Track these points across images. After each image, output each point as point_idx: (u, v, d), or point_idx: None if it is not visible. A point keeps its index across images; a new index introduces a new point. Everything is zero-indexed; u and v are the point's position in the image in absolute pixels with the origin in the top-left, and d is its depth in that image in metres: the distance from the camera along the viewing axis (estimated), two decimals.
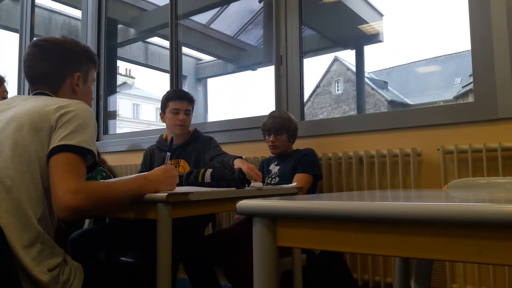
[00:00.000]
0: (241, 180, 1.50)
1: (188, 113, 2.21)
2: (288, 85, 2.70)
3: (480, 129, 2.00)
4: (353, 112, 19.76)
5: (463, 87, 16.51)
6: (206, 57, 6.66)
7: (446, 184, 1.41)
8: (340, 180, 2.33)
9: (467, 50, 2.13)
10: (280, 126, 2.21)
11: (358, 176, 2.28)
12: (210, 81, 6.81)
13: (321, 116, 20.04)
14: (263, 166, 2.38)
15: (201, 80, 6.80)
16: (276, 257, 0.71)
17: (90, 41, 3.86)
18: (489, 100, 1.99)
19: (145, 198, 1.16)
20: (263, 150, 2.36)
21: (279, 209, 0.69)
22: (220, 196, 1.34)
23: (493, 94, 1.98)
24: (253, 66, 5.65)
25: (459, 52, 20.25)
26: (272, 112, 2.32)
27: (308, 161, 2.15)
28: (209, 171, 1.51)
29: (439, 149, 2.04)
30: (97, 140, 3.75)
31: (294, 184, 1.81)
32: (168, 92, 2.27)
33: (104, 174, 1.79)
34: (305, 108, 2.80)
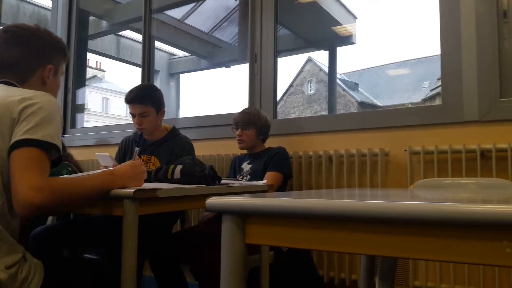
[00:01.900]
0: (212, 177, 1.49)
1: (144, 115, 2.05)
2: (261, 83, 2.70)
3: (446, 131, 2.06)
4: (324, 112, 20.00)
5: (431, 90, 16.99)
6: (179, 52, 6.57)
7: (412, 183, 1.45)
8: (309, 178, 2.35)
9: (436, 55, 2.19)
10: (247, 120, 2.21)
11: (328, 174, 2.30)
12: (183, 76, 6.72)
13: (293, 115, 20.21)
14: (235, 163, 2.38)
15: (173, 75, 6.71)
16: (244, 254, 0.70)
17: (60, 32, 3.75)
18: (456, 103, 2.05)
19: (111, 194, 1.13)
20: (235, 148, 2.35)
21: (248, 206, 0.69)
22: (189, 193, 1.32)
23: (460, 98, 2.04)
24: (227, 63, 5.61)
25: (428, 56, 20.82)
26: (244, 108, 2.33)
27: (279, 160, 2.16)
28: (179, 167, 1.49)
29: (406, 150, 2.08)
30: (64, 133, 3.65)
31: (264, 181, 1.81)
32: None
33: (69, 169, 1.73)
34: (278, 107, 2.81)
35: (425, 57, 21.62)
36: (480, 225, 0.51)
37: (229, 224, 0.70)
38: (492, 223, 0.50)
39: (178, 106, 5.40)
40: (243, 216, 0.69)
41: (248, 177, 2.22)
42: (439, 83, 2.17)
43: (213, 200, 0.70)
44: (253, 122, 2.23)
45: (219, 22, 4.95)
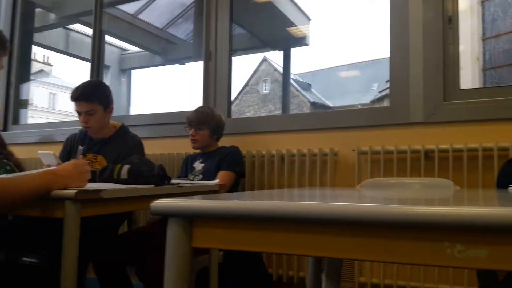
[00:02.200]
0: (161, 176, 1.45)
1: (91, 113, 1.96)
2: (216, 81, 2.68)
3: (393, 132, 2.14)
4: (278, 112, 20.22)
5: (379, 92, 17.63)
6: (132, 48, 6.38)
7: (360, 182, 1.48)
8: (262, 177, 2.36)
9: (385, 58, 2.26)
10: (200, 120, 2.18)
11: (280, 174, 2.32)
12: (135, 72, 6.53)
13: (248, 114, 20.28)
14: (187, 162, 2.33)
15: (125, 71, 6.51)
16: (190, 258, 0.68)
17: (2, 24, 3.54)
18: (403, 105, 2.13)
19: (52, 195, 1.07)
20: (187, 146, 2.31)
21: (195, 209, 0.66)
22: (136, 193, 1.27)
23: (407, 100, 2.12)
24: (181, 60, 5.52)
25: (377, 59, 21.59)
26: (198, 107, 2.29)
27: (232, 159, 2.15)
28: (126, 167, 1.43)
29: (354, 150, 2.14)
30: (5, 130, 3.45)
31: (216, 181, 1.79)
32: None
33: (8, 167, 1.62)
34: (233, 106, 2.79)
35: (374, 59, 22.43)
36: (423, 226, 0.52)
37: (175, 227, 0.67)
38: (433, 224, 0.51)
39: (129, 103, 5.25)
40: (190, 219, 0.67)
41: (201, 176, 2.19)
42: (387, 85, 2.25)
43: (158, 203, 0.67)
44: (207, 122, 2.20)
45: (173, 19, 4.86)
